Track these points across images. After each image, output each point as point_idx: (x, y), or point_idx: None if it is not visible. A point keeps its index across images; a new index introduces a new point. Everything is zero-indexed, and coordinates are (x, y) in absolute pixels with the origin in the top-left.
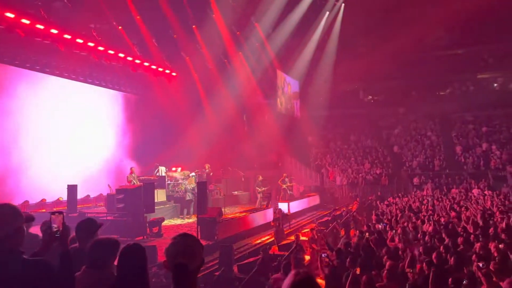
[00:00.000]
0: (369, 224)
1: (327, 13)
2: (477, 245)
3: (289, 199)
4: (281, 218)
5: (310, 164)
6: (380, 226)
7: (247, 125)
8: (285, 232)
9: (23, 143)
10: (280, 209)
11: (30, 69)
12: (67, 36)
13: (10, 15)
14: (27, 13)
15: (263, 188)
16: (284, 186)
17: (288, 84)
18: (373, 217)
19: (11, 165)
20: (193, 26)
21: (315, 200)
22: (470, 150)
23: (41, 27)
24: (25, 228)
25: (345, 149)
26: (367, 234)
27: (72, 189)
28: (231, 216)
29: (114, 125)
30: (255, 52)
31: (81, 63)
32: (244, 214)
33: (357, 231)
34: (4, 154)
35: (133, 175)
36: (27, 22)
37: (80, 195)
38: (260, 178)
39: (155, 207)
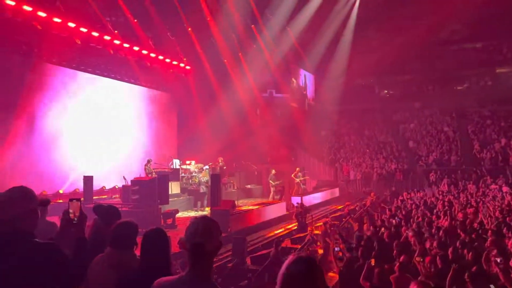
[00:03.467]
0: (383, 218)
1: (342, 6)
2: (492, 241)
3: (302, 193)
4: (302, 211)
5: (323, 159)
6: (394, 221)
7: (260, 119)
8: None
9: (40, 136)
10: (301, 203)
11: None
12: (83, 30)
13: (27, 8)
14: (44, 6)
15: (276, 182)
16: (297, 180)
17: (303, 78)
18: (387, 212)
19: (30, 157)
20: (208, 18)
21: (328, 194)
22: (488, 145)
23: (58, 20)
24: (39, 212)
25: (359, 143)
26: (382, 229)
27: (88, 180)
28: (244, 208)
29: (130, 119)
30: (269, 45)
31: (92, 55)
32: (257, 207)
33: (371, 226)
34: (21, 149)
35: (149, 166)
36: (44, 15)
37: (95, 187)
38: (273, 172)
39: (170, 199)
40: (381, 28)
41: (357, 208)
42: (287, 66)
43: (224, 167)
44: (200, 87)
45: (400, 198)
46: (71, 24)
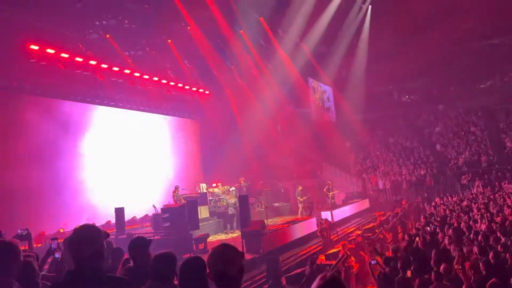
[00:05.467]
0: (418, 227)
1: (354, 16)
2: None
3: (332, 207)
4: (327, 227)
5: (350, 170)
6: (429, 229)
7: (282, 135)
8: (333, 240)
9: (68, 171)
10: (325, 218)
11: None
12: (104, 66)
13: (50, 51)
14: (66, 47)
15: (304, 198)
16: (330, 194)
17: (321, 91)
18: (422, 219)
19: (66, 191)
20: (222, 43)
21: (358, 206)
22: None
23: (80, 59)
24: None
25: (385, 152)
26: (417, 237)
27: (119, 212)
28: (274, 228)
29: (154, 148)
30: (284, 62)
31: (113, 89)
32: (287, 225)
33: (406, 235)
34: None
35: (177, 193)
36: (66, 56)
37: (126, 217)
38: (300, 188)
39: (199, 224)
40: (395, 33)
41: (389, 218)
42: (305, 80)
43: (247, 187)
44: (220, 110)
45: (433, 204)
46: (92, 62)
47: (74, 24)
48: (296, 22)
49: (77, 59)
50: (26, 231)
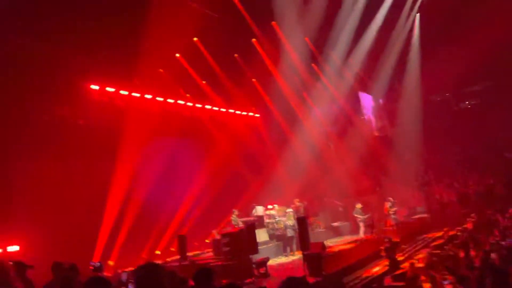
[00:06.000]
0: (492, 242)
1: (401, 26)
2: None
3: (395, 224)
4: (392, 246)
5: (411, 184)
6: (505, 243)
7: (336, 153)
8: (398, 260)
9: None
10: (389, 237)
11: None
12: (159, 99)
13: (110, 89)
14: (123, 84)
15: (364, 216)
16: (392, 211)
17: (373, 104)
18: (496, 233)
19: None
20: (269, 66)
21: (423, 222)
22: None
23: (137, 95)
24: None
25: (448, 162)
26: (492, 253)
27: (181, 239)
28: (336, 249)
29: (200, 173)
30: (333, 79)
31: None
32: (349, 245)
33: (479, 251)
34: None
35: (235, 217)
36: (126, 93)
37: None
38: (359, 205)
39: (259, 247)
40: (448, 39)
41: (458, 233)
42: (356, 95)
43: (304, 207)
44: (271, 132)
45: (507, 215)
46: (148, 96)
47: (132, 63)
48: (342, 39)
49: (134, 94)
50: (99, 264)
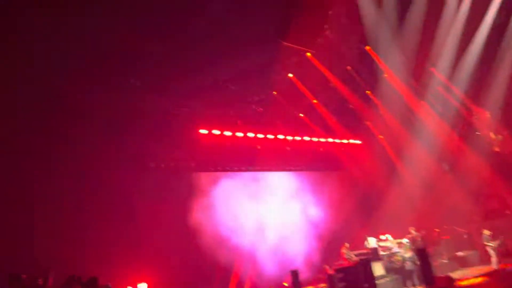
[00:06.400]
0: None
1: None
2: None
3: None
4: None
5: None
6: None
7: (451, 174)
8: None
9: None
10: None
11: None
12: (260, 136)
13: (216, 132)
14: (228, 126)
15: (495, 243)
16: None
17: (489, 117)
18: None
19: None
20: (367, 91)
21: None
22: None
23: (241, 134)
24: None
25: None
26: None
27: (294, 274)
28: (465, 283)
29: (307, 205)
30: (439, 96)
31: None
32: (482, 278)
33: None
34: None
35: (347, 251)
36: (229, 133)
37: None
38: (487, 232)
39: (376, 282)
40: None
41: None
42: (467, 110)
43: (420, 237)
44: (374, 157)
45: None
46: (250, 134)
47: (232, 105)
48: (446, 52)
49: (238, 134)
50: None
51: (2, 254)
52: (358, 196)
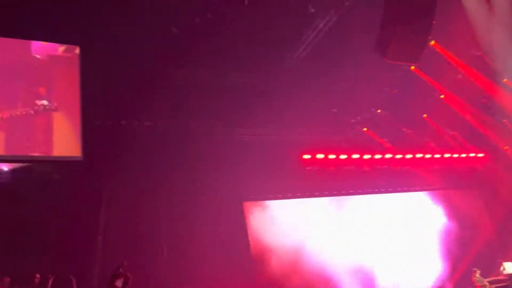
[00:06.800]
0: None
1: None
2: None
3: None
4: None
5: None
6: None
7: None
8: None
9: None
10: None
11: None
12: (366, 157)
13: (320, 156)
14: (331, 149)
15: None
16: None
17: None
18: None
19: None
20: (483, 100)
21: None
22: None
23: (344, 156)
24: None
25: None
26: None
27: None
28: None
29: (424, 226)
30: None
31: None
32: None
33: None
34: None
35: (478, 277)
36: (334, 156)
37: None
38: None
39: None
40: None
41: None
42: None
43: None
44: (504, 170)
45: None
46: (355, 156)
47: (334, 128)
48: None
49: (342, 156)
50: None
51: None
52: (492, 215)
